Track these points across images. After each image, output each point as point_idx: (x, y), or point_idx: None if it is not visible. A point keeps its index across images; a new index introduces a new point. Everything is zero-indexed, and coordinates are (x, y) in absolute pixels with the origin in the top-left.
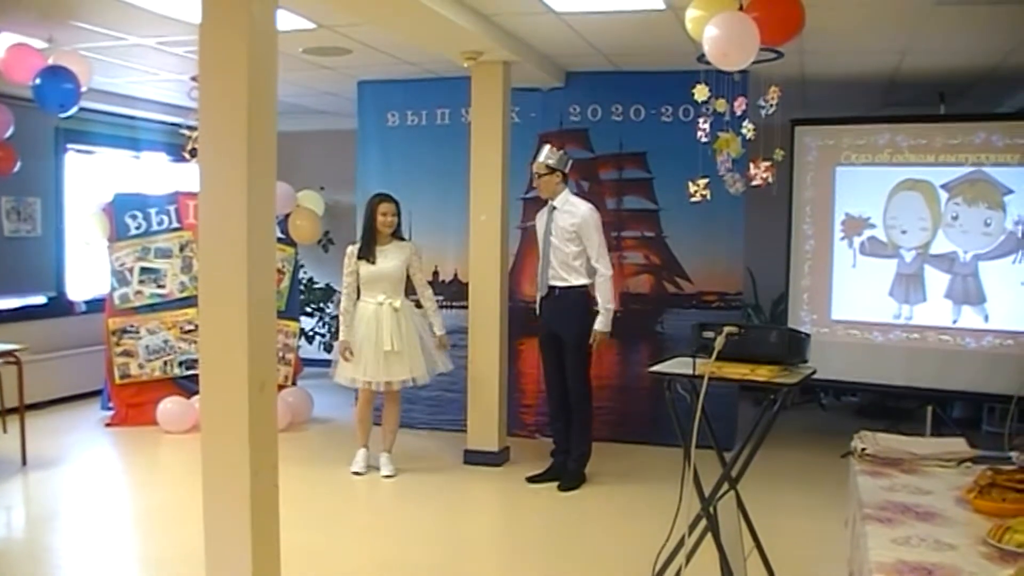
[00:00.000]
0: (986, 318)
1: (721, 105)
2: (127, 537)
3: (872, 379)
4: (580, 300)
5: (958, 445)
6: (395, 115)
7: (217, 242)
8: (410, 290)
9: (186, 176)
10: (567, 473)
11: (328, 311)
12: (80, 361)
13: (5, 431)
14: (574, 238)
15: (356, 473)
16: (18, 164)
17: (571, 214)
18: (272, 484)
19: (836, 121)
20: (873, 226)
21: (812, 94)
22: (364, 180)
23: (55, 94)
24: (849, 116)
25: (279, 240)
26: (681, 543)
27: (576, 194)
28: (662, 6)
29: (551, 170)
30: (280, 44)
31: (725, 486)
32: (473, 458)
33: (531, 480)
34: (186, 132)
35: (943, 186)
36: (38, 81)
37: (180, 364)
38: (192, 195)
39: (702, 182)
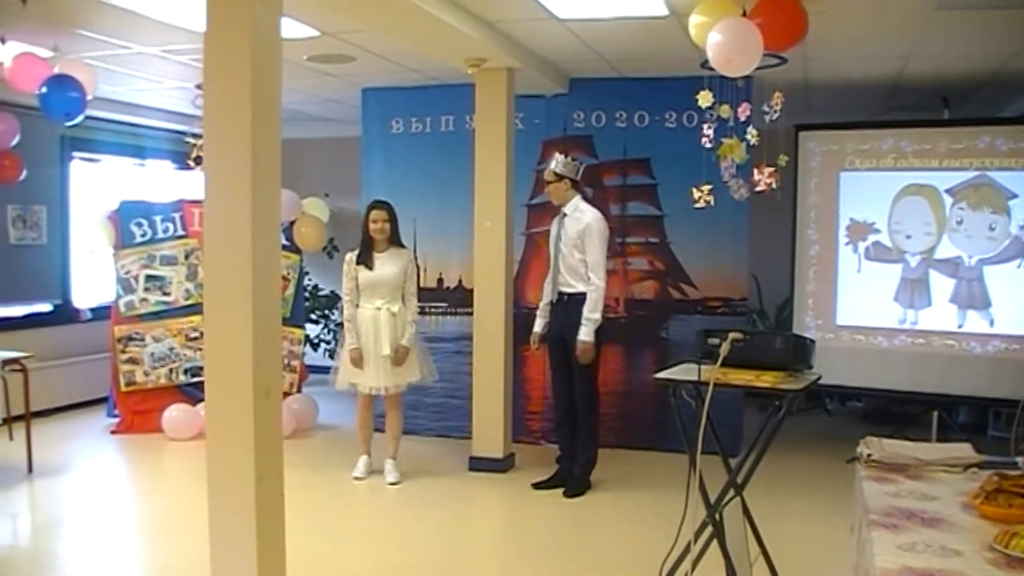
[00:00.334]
0: (991, 323)
1: (725, 111)
2: (132, 544)
3: (877, 384)
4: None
5: (964, 450)
6: (399, 122)
7: (222, 249)
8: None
9: (191, 184)
10: (572, 479)
11: (333, 318)
12: (86, 368)
13: (11, 438)
14: (579, 245)
15: (357, 479)
16: (24, 172)
17: (578, 221)
18: (277, 491)
19: (840, 126)
20: (878, 231)
21: (816, 99)
22: (368, 187)
23: (61, 102)
24: (853, 121)
25: (284, 247)
26: (687, 549)
27: (587, 201)
28: (665, 12)
29: (559, 177)
30: (284, 52)
31: (731, 492)
32: (478, 464)
33: (536, 486)
34: (191, 140)
35: (947, 191)
36: (44, 90)
37: (185, 371)
38: (197, 203)
39: (706, 188)
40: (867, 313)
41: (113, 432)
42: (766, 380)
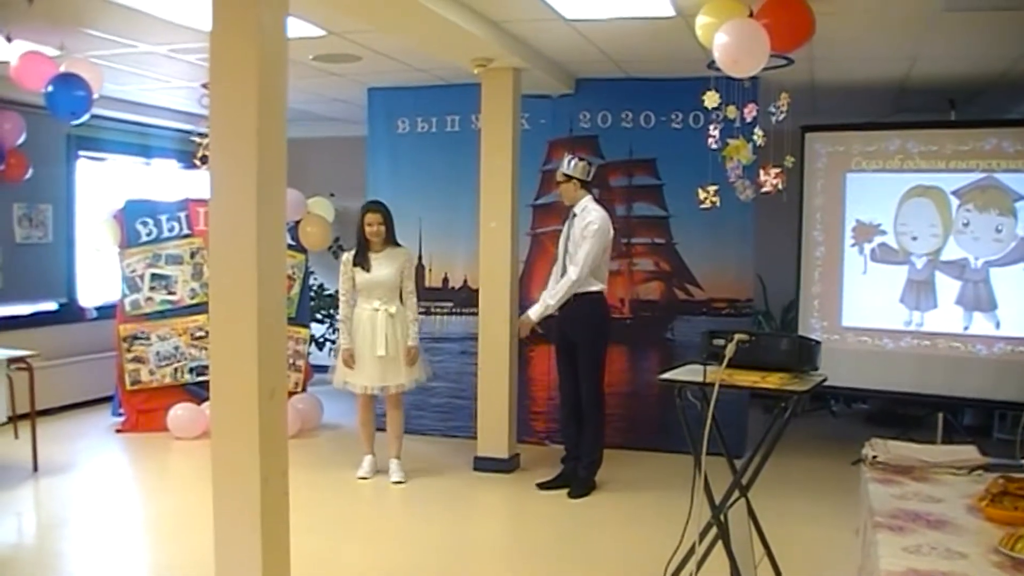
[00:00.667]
0: (997, 325)
1: (731, 112)
2: (137, 543)
3: (883, 386)
4: (595, 306)
5: (969, 453)
6: (405, 122)
7: (227, 249)
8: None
9: (197, 183)
10: (577, 480)
11: (338, 318)
12: (91, 367)
13: (17, 437)
14: (582, 242)
15: (362, 478)
16: (30, 171)
17: (583, 220)
18: (282, 490)
19: (846, 127)
20: (884, 233)
21: (822, 101)
22: (374, 187)
23: (67, 101)
24: (859, 122)
25: (289, 247)
26: (692, 551)
27: (597, 202)
28: (672, 13)
29: (568, 178)
30: (290, 51)
31: (736, 494)
32: (483, 464)
33: (541, 487)
34: (197, 139)
35: (954, 192)
36: (50, 88)
37: (191, 370)
38: (203, 202)
39: (712, 189)
40: (873, 315)
41: (118, 431)
42: (772, 381)
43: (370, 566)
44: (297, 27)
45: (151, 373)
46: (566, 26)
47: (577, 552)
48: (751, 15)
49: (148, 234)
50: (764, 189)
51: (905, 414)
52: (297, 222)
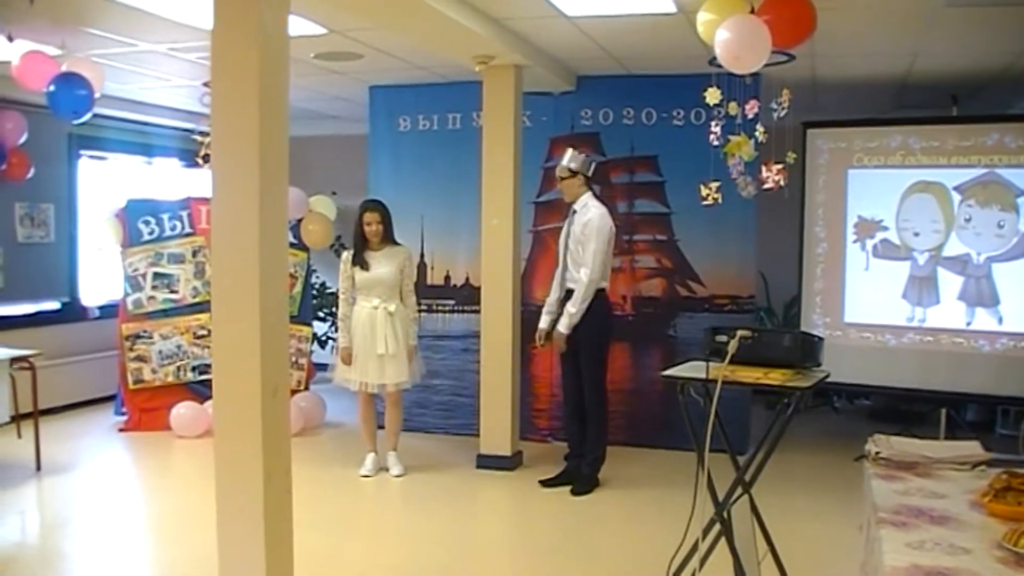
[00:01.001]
0: (1000, 320)
1: (733, 108)
2: (140, 542)
3: (885, 382)
4: (597, 304)
5: (972, 448)
6: (407, 120)
7: (229, 247)
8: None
9: (199, 181)
10: (580, 477)
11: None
12: (94, 366)
13: (20, 436)
14: (583, 240)
15: (365, 476)
16: (32, 170)
17: (584, 216)
18: (285, 488)
19: (848, 123)
20: (886, 228)
21: (824, 97)
22: (376, 185)
23: (68, 100)
24: (861, 118)
25: (291, 245)
26: (695, 547)
27: (598, 199)
28: (673, 10)
29: (572, 173)
30: (291, 49)
31: (739, 490)
32: (486, 462)
33: (544, 484)
34: (198, 138)
35: (956, 188)
36: (52, 88)
37: (193, 369)
38: (204, 200)
39: (714, 185)
40: (875, 311)
41: (121, 430)
42: (774, 378)
43: (373, 564)
44: (298, 25)
45: (153, 372)
46: (567, 23)
47: (580, 549)
48: (752, 11)
49: (150, 233)
50: (766, 185)
51: (908, 410)
52: (299, 220)
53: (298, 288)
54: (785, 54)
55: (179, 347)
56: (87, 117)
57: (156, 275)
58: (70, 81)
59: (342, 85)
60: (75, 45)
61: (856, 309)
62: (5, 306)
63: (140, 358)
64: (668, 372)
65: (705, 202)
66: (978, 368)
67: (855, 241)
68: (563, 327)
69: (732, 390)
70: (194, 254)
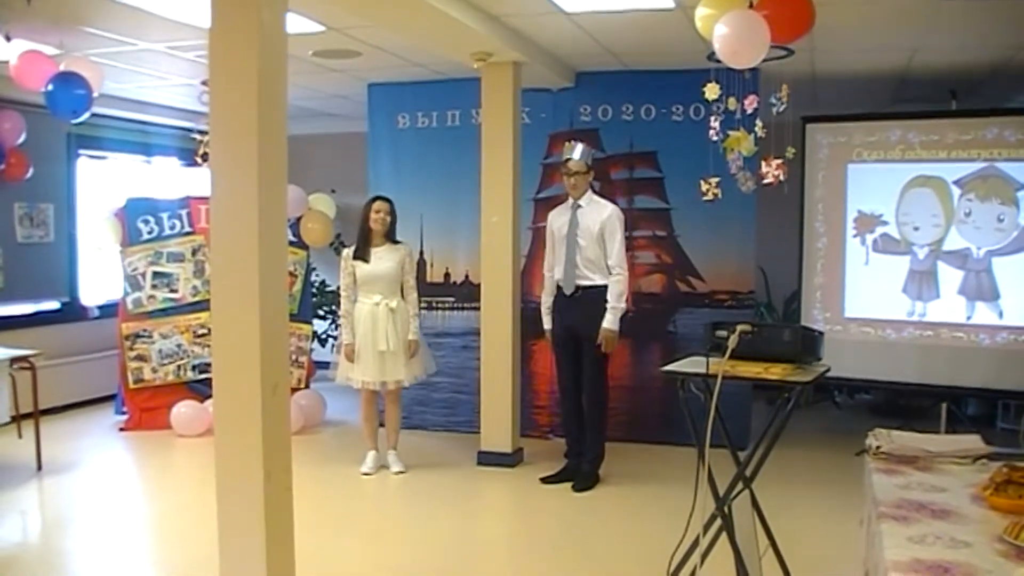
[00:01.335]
0: (1000, 314)
1: (732, 103)
2: (141, 541)
3: (886, 377)
4: (601, 298)
5: (973, 442)
6: (405, 117)
7: (229, 246)
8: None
9: (198, 180)
10: (581, 474)
11: (341, 314)
12: (94, 366)
13: (20, 436)
14: (600, 237)
15: (365, 474)
16: (30, 170)
17: (597, 213)
18: (285, 487)
19: (847, 118)
20: (885, 223)
21: (823, 91)
22: (375, 182)
23: (67, 100)
24: (860, 113)
25: (291, 243)
26: (696, 543)
27: (597, 193)
28: (672, 5)
29: (588, 168)
30: (289, 47)
31: (739, 485)
32: (486, 459)
33: (545, 481)
34: (197, 136)
35: (955, 182)
36: (50, 87)
37: (193, 368)
38: (204, 199)
39: (713, 181)
40: (875, 305)
41: (121, 429)
42: (775, 372)
43: (374, 561)
44: (296, 23)
45: (154, 371)
46: (566, 19)
47: (581, 545)
48: (751, 6)
49: (149, 232)
50: (765, 180)
51: (909, 404)
52: (298, 218)
53: (298, 286)
54: (784, 49)
55: (179, 346)
56: (86, 116)
57: (156, 274)
58: (68, 80)
59: (341, 83)
60: (73, 44)
61: (856, 304)
62: (5, 306)
63: (140, 357)
64: (668, 367)
65: (705, 198)
66: (978, 362)
67: (855, 236)
68: (610, 323)
69: (732, 385)
70: (193, 253)
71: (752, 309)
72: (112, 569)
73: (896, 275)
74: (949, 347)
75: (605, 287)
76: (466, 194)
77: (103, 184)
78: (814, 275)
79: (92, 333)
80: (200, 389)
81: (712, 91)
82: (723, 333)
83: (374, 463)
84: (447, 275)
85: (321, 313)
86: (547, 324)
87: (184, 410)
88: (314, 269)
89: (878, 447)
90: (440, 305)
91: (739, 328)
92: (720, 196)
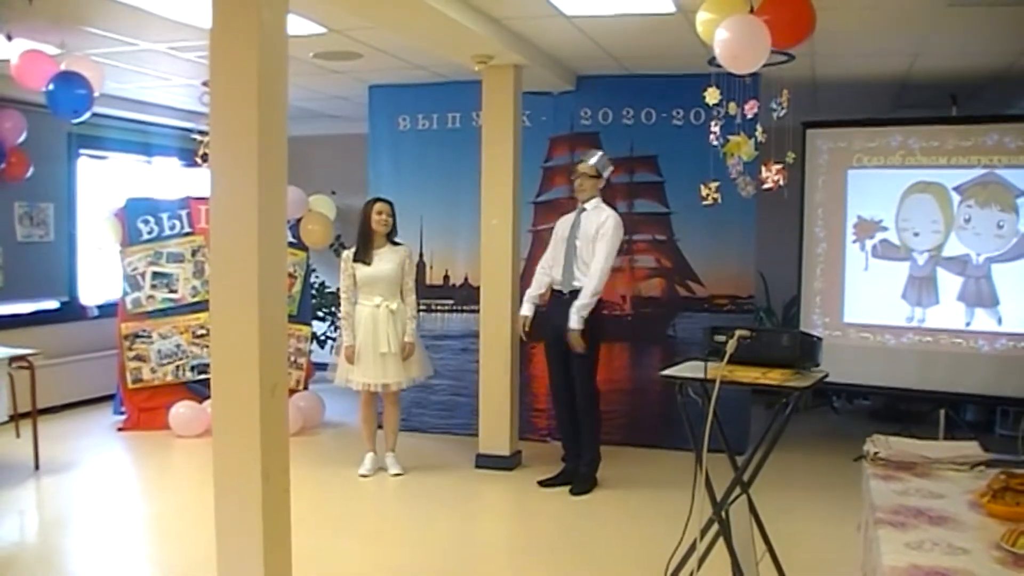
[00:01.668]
0: (999, 321)
1: (732, 108)
2: (139, 541)
3: (885, 382)
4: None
5: (971, 448)
6: (406, 119)
7: (228, 246)
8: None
9: (198, 181)
10: (579, 477)
11: (340, 315)
12: (93, 366)
13: (18, 435)
14: (595, 242)
15: (363, 475)
16: (31, 169)
17: (598, 218)
18: (283, 488)
19: (848, 123)
20: (885, 229)
21: (823, 96)
22: (375, 184)
23: (68, 100)
24: (861, 118)
25: (291, 244)
26: (693, 547)
27: (606, 203)
28: (673, 9)
29: (598, 174)
30: (290, 48)
31: (737, 490)
32: (485, 462)
33: (543, 484)
34: (198, 137)
35: (955, 188)
36: (51, 87)
37: (192, 368)
38: (204, 200)
39: (713, 185)
40: (874, 311)
41: (120, 429)
42: (773, 377)
43: (371, 563)
44: (297, 24)
45: (152, 371)
46: (567, 23)
47: (578, 549)
48: (752, 11)
49: (149, 232)
50: (765, 185)
51: (907, 410)
52: (299, 220)
53: (297, 287)
54: (784, 54)
55: (178, 346)
56: (86, 116)
57: (155, 274)
58: (69, 80)
59: (341, 84)
60: (74, 44)
61: (855, 309)
62: (4, 305)
63: (139, 357)
64: (667, 372)
65: (705, 202)
66: (977, 368)
67: (855, 241)
68: (576, 324)
69: (731, 390)
70: (193, 253)
71: (752, 314)
72: (110, 569)
73: (895, 281)
74: (948, 353)
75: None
76: (466, 196)
77: (103, 184)
78: (814, 280)
79: (91, 333)
80: (199, 390)
81: (712, 96)
82: (722, 338)
83: (372, 465)
84: (446, 277)
85: (320, 314)
86: (525, 311)
87: (183, 410)
88: (314, 270)
89: (876, 453)
90: (439, 307)
91: (738, 333)
92: (720, 201)
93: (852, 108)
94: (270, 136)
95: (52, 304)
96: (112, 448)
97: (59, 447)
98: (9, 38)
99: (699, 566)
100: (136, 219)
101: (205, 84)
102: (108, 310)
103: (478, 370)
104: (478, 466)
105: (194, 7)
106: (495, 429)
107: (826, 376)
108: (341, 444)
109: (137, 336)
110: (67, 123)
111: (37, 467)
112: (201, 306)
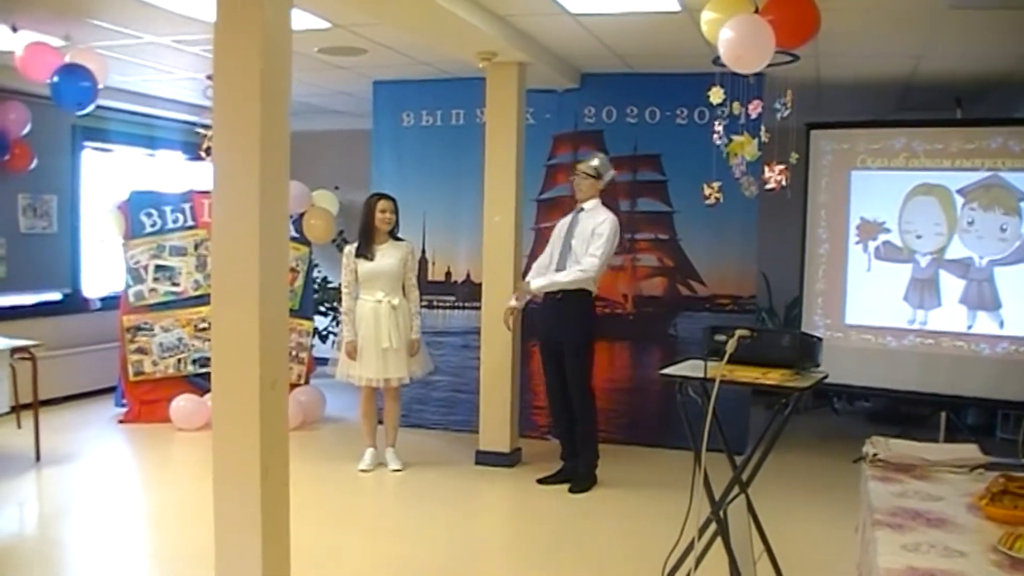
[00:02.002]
0: (1001, 324)
1: (736, 108)
2: (139, 533)
3: (885, 384)
4: (581, 305)
5: (971, 451)
6: (410, 115)
7: (230, 240)
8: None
9: (201, 174)
10: (578, 475)
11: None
12: (94, 358)
13: (19, 427)
14: (594, 239)
15: (363, 471)
16: (35, 161)
17: (594, 218)
18: (283, 482)
19: (851, 125)
20: (888, 231)
21: (827, 98)
22: (378, 180)
23: (72, 92)
24: (864, 120)
25: (293, 239)
26: (691, 547)
27: (606, 205)
28: (677, 8)
29: (597, 175)
30: (295, 44)
31: (736, 490)
32: (484, 459)
33: (542, 482)
34: (201, 130)
35: (959, 191)
36: (55, 79)
37: (194, 362)
38: (207, 193)
39: (716, 185)
40: (876, 313)
41: (121, 421)
42: (773, 377)
43: (371, 559)
44: (302, 19)
45: (154, 364)
46: (571, 21)
47: (577, 547)
48: (756, 11)
49: (152, 225)
50: (769, 186)
51: (908, 413)
52: (301, 215)
53: (299, 282)
54: (789, 54)
55: (180, 340)
56: (90, 109)
57: (158, 267)
58: (74, 72)
59: (345, 80)
60: (79, 36)
61: (857, 311)
62: (7, 296)
63: (141, 350)
64: (667, 371)
65: (707, 202)
66: (979, 372)
67: (857, 243)
68: (535, 284)
69: (731, 390)
70: (196, 247)
71: (753, 314)
72: (109, 560)
73: (898, 283)
74: (949, 356)
75: (584, 292)
76: (469, 193)
77: (107, 176)
78: (815, 281)
79: (93, 325)
80: (200, 383)
81: (716, 95)
82: (722, 337)
83: (372, 460)
84: (448, 274)
85: (322, 309)
86: (513, 301)
87: (183, 403)
88: (316, 265)
89: (875, 454)
90: (441, 304)
91: (738, 333)
92: (722, 200)
93: (856, 110)
94: (273, 131)
95: (55, 296)
96: (113, 440)
97: (60, 439)
98: (14, 30)
99: (697, 565)
100: (139, 212)
101: (209, 78)
102: (110, 302)
103: (479, 367)
104: (478, 463)
105: (199, 1)
106: (495, 426)
107: (826, 377)
108: (341, 439)
109: (139, 329)
110: (71, 115)
111: (38, 458)
112: (203, 299)
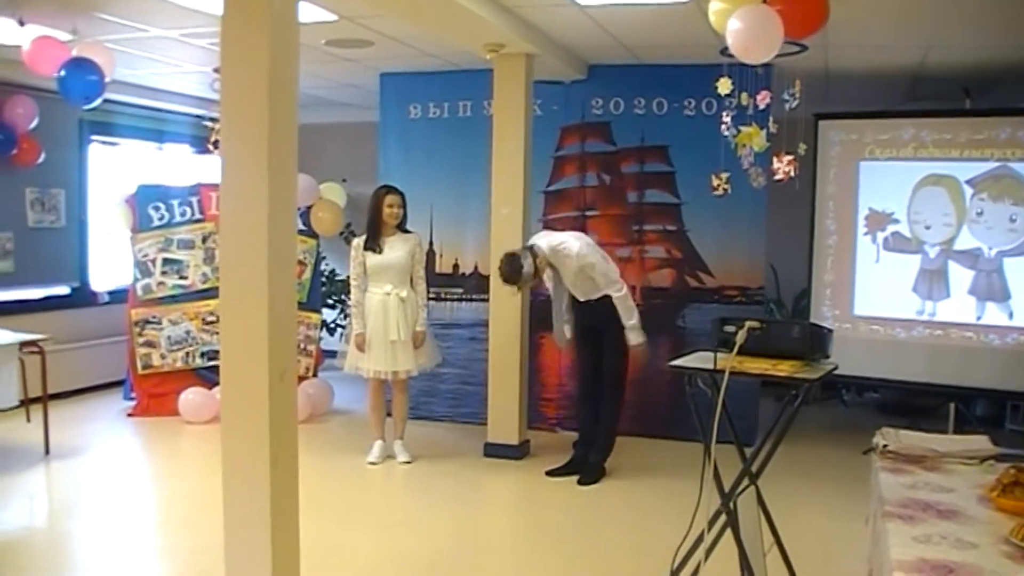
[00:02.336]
0: (1011, 315)
1: (744, 99)
2: (148, 526)
3: (894, 375)
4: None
5: (981, 443)
6: (417, 107)
7: (238, 233)
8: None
9: (209, 168)
10: (587, 467)
11: (350, 303)
12: (103, 351)
13: (28, 420)
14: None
15: (372, 463)
16: (42, 155)
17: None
18: (292, 475)
19: (860, 115)
20: (897, 221)
21: (836, 88)
22: (386, 172)
23: (79, 86)
24: (873, 110)
25: (301, 232)
26: (700, 539)
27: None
28: None
29: (535, 270)
30: (302, 36)
31: (745, 482)
32: (493, 451)
33: (551, 474)
34: (209, 124)
35: (968, 181)
36: (62, 73)
37: (202, 355)
38: (215, 186)
39: (724, 176)
40: (885, 304)
41: (129, 415)
42: (782, 369)
43: (379, 551)
44: (309, 12)
45: (162, 357)
46: (578, 12)
47: (586, 539)
48: (765, 1)
49: (160, 219)
50: (777, 177)
51: (917, 404)
52: (309, 207)
53: (307, 275)
54: (797, 44)
55: (188, 333)
56: (98, 102)
57: (166, 261)
58: (81, 66)
59: (353, 72)
60: (86, 30)
61: (866, 302)
62: (15, 290)
63: (149, 343)
64: (676, 362)
65: (715, 193)
66: (988, 363)
67: (866, 233)
68: (635, 339)
69: (740, 381)
70: (204, 240)
71: (762, 305)
72: (118, 554)
73: (906, 274)
74: (958, 347)
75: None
76: (476, 186)
77: (114, 170)
78: (824, 272)
79: (101, 318)
80: (208, 376)
81: (724, 86)
82: (731, 329)
83: (380, 453)
84: (456, 266)
85: (331, 302)
86: (567, 333)
87: (192, 396)
88: (324, 258)
89: (885, 446)
90: (448, 296)
91: (747, 324)
92: (730, 191)
93: (865, 100)
94: (281, 123)
95: (63, 290)
96: (121, 433)
97: (69, 432)
98: (21, 24)
99: (706, 557)
100: (147, 205)
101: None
102: (118, 296)
103: (487, 359)
104: (486, 455)
105: None
106: (504, 418)
107: (835, 368)
108: (350, 432)
109: (147, 322)
110: (78, 109)
111: (47, 452)
112: (211, 293)
